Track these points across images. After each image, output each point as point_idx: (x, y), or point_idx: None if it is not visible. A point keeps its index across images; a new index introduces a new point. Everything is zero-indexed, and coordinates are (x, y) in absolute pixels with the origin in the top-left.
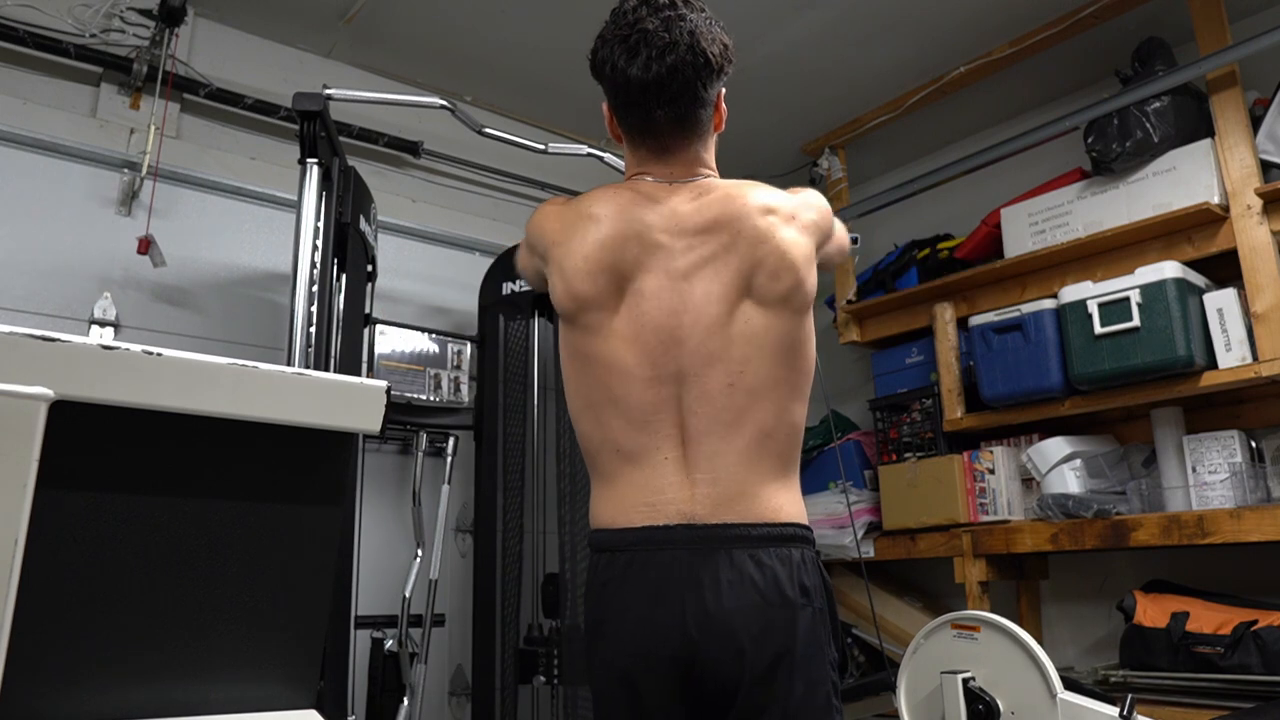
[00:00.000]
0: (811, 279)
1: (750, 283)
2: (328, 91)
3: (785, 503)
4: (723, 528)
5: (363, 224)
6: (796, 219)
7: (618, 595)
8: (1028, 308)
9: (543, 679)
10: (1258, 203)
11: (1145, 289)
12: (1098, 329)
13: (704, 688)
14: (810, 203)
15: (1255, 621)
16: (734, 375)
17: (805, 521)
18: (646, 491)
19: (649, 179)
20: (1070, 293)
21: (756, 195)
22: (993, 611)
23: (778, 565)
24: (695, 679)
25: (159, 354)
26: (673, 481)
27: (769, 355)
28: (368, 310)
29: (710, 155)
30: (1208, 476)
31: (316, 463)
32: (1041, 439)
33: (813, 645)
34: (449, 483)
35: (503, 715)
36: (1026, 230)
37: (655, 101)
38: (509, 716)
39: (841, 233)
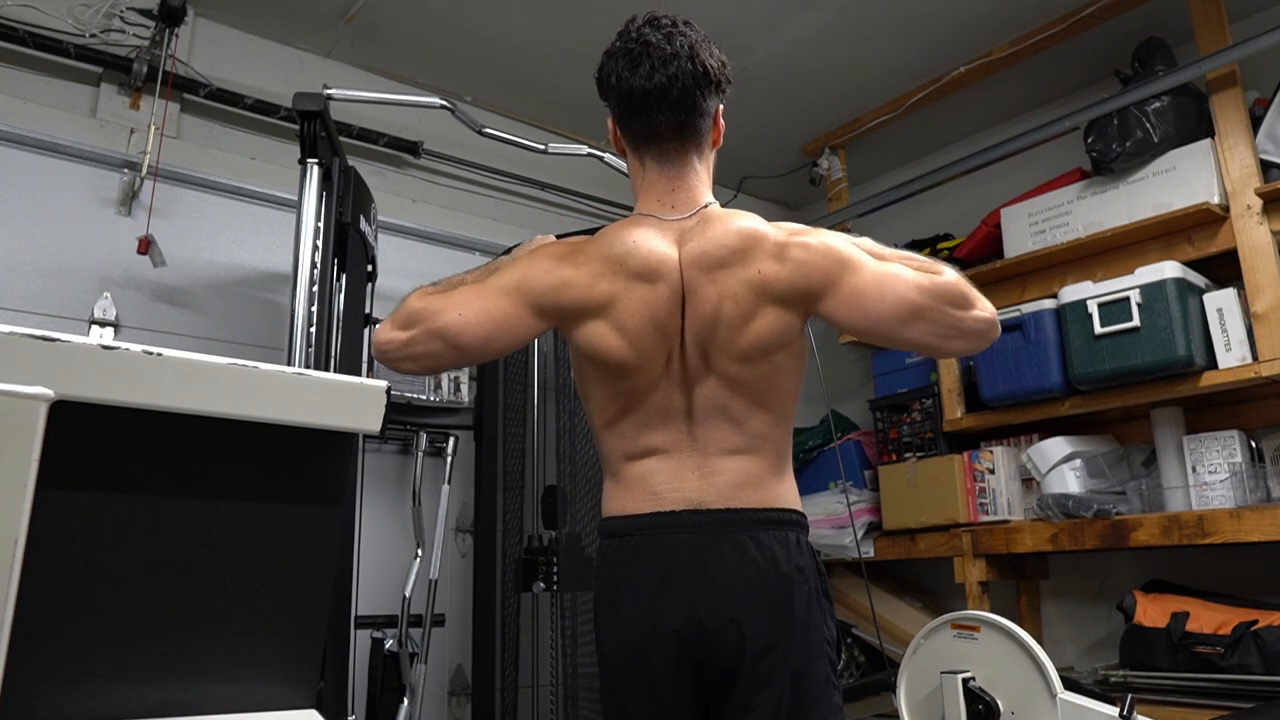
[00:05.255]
0: (787, 319)
1: (761, 294)
2: (328, 91)
3: (785, 492)
4: (728, 512)
5: (363, 224)
6: (789, 248)
7: (626, 576)
8: (1028, 308)
9: (542, 585)
10: (1258, 203)
11: (1145, 289)
12: (1098, 329)
13: (710, 662)
14: (809, 243)
15: (1255, 621)
16: (736, 387)
17: (800, 508)
18: (655, 484)
19: (661, 217)
20: (1070, 293)
21: (766, 230)
22: (993, 611)
23: (776, 545)
24: (701, 654)
25: (159, 354)
26: (680, 474)
27: (771, 366)
28: (368, 310)
29: (709, 174)
30: (1208, 476)
31: (316, 463)
32: (1041, 439)
33: (810, 620)
34: (449, 483)
35: (503, 714)
36: (1026, 230)
37: (656, 107)
38: (509, 715)
39: (880, 278)
